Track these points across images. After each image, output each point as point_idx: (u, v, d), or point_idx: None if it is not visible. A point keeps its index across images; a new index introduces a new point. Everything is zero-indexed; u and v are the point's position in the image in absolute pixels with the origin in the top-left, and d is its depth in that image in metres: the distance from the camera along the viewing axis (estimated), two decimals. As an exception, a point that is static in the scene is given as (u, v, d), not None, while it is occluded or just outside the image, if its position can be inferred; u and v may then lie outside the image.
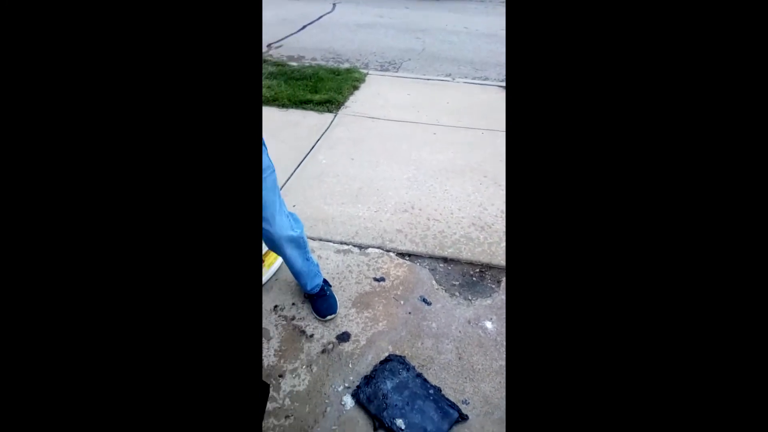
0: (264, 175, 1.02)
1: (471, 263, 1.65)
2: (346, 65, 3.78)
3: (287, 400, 1.15)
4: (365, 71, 3.58)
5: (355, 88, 3.22)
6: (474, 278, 1.59)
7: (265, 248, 1.47)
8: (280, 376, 1.21)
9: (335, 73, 3.41)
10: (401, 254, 1.69)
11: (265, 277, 1.50)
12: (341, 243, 1.73)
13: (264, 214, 1.08)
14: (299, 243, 1.25)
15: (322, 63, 3.82)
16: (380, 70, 3.79)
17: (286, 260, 1.27)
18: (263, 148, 1.01)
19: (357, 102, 3.01)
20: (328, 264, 1.62)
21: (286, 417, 1.12)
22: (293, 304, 1.45)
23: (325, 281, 1.44)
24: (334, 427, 1.10)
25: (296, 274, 1.34)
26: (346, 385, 1.20)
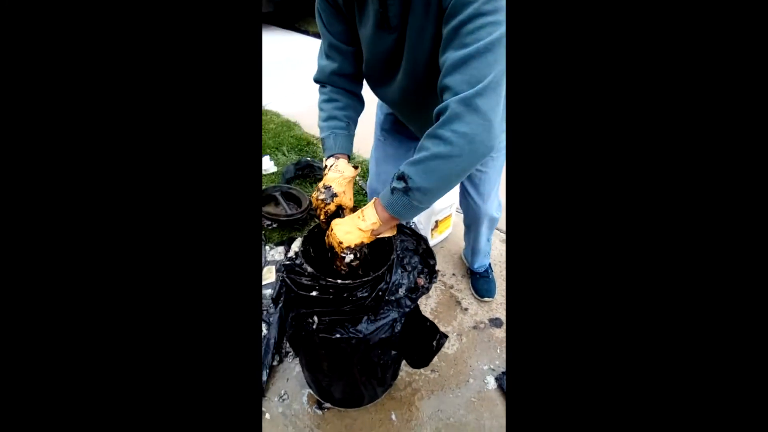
0: (494, 155, 1.07)
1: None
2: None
3: (436, 357, 1.24)
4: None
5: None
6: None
7: (444, 214, 1.56)
8: (433, 333, 1.31)
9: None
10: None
11: (434, 241, 1.60)
12: (507, 234, 1.73)
13: (482, 189, 1.14)
14: (493, 225, 1.30)
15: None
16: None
17: (475, 236, 1.33)
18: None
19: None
20: (494, 251, 1.64)
21: (432, 371, 1.21)
22: (453, 274, 1.52)
23: (489, 264, 1.47)
24: (473, 399, 1.15)
25: (474, 250, 1.39)
26: (492, 367, 1.23)
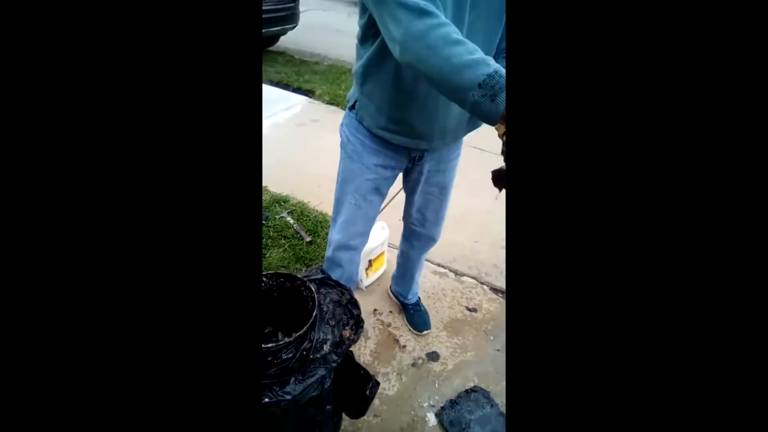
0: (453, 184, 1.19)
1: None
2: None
3: (377, 400, 1.24)
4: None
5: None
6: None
7: (377, 253, 1.59)
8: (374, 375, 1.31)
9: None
10: (495, 289, 1.71)
11: (369, 281, 1.62)
12: (439, 265, 1.80)
13: (441, 213, 1.23)
14: (430, 250, 1.37)
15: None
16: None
17: (417, 263, 1.40)
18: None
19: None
20: (425, 282, 1.70)
21: (375, 416, 1.20)
22: (390, 311, 1.55)
23: (419, 297, 1.53)
24: (416, 439, 1.16)
25: (411, 279, 1.44)
26: (431, 403, 1.26)
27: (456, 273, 1.78)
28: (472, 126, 1.01)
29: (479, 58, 0.61)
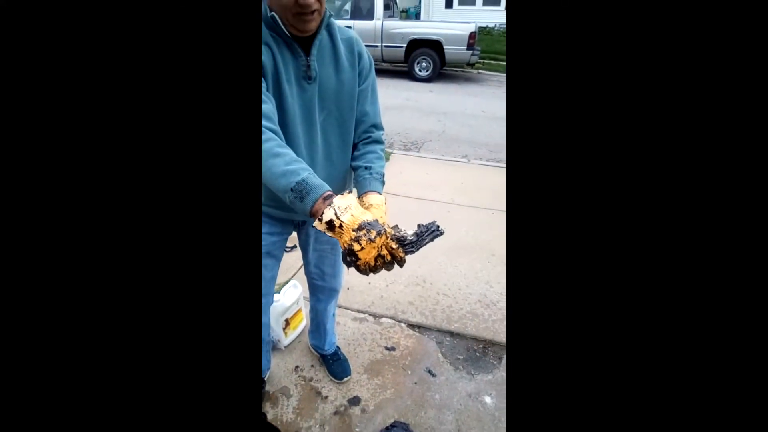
0: None
1: (475, 338, 1.80)
2: (373, 143, 4.19)
3: (301, 456, 1.28)
4: (390, 150, 3.97)
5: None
6: (477, 353, 1.73)
7: (292, 311, 1.67)
8: (296, 433, 1.35)
9: (363, 150, 3.81)
10: (412, 325, 1.85)
11: (288, 339, 1.69)
12: (358, 311, 1.92)
13: (334, 270, 1.35)
14: (337, 297, 1.48)
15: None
16: (403, 150, 4.20)
17: (325, 314, 1.49)
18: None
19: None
20: (345, 330, 1.79)
21: (299, 472, 1.24)
22: (312, 365, 1.61)
23: (337, 346, 1.62)
24: (340, 486, 1.21)
25: (324, 330, 1.53)
26: (354, 447, 1.32)
27: (374, 316, 1.90)
28: (343, 188, 1.19)
29: (292, 169, 0.79)
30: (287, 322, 1.66)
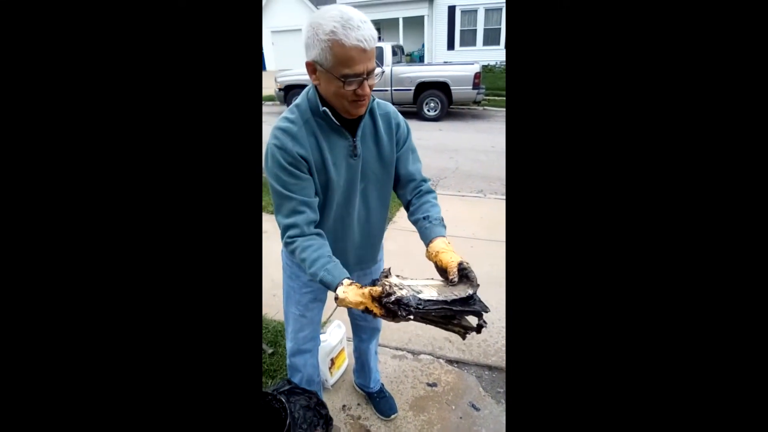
0: None
1: (513, 372, 1.84)
2: (391, 183, 4.36)
3: (359, 494, 1.32)
4: (408, 188, 4.13)
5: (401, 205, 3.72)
6: (517, 387, 1.77)
7: (337, 350, 1.75)
8: (351, 471, 1.39)
9: (382, 190, 3.97)
10: (450, 361, 1.91)
11: (334, 379, 1.75)
12: (396, 349, 1.98)
13: None
14: (378, 335, 1.57)
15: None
16: (420, 187, 4.35)
17: (368, 353, 1.56)
18: None
19: (403, 218, 3.47)
20: (386, 368, 1.85)
21: None
22: (358, 404, 1.67)
23: (381, 383, 1.68)
24: None
25: (369, 369, 1.60)
26: (409, 484, 1.36)
27: (413, 353, 1.96)
28: (379, 242, 1.31)
29: (312, 272, 0.96)
30: (332, 362, 1.73)
